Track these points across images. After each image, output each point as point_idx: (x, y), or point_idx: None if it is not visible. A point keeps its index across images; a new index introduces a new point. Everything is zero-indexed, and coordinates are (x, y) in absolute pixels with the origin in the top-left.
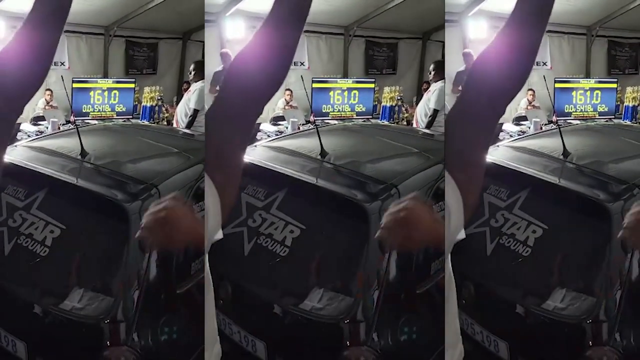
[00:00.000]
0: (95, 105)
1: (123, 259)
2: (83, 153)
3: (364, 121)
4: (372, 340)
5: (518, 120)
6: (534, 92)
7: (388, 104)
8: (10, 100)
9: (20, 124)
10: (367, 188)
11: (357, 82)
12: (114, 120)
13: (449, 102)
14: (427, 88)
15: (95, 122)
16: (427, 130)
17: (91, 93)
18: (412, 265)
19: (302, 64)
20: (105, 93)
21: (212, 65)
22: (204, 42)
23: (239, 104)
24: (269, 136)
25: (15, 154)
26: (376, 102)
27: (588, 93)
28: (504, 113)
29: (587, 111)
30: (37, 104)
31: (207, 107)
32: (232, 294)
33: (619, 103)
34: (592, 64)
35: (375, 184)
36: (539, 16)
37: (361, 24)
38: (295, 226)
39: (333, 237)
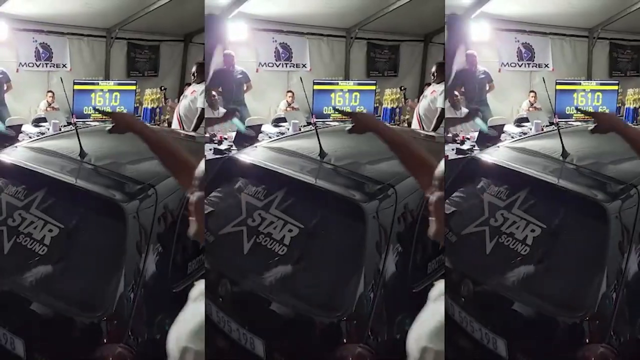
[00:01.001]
0: (97, 107)
1: (120, 258)
2: (82, 154)
3: None
4: (368, 338)
5: (519, 121)
6: (535, 93)
7: (389, 106)
8: None
9: (21, 125)
10: (365, 188)
11: (359, 84)
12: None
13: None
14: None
15: (97, 123)
16: (429, 132)
17: (92, 95)
18: (409, 264)
19: (304, 66)
20: (107, 95)
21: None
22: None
23: None
24: (270, 137)
25: (15, 155)
26: (377, 104)
27: (589, 95)
28: None
29: None
30: (38, 106)
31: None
32: (231, 292)
33: (620, 105)
34: (593, 66)
35: (373, 184)
36: None
37: (363, 26)
38: (293, 225)
39: (331, 236)
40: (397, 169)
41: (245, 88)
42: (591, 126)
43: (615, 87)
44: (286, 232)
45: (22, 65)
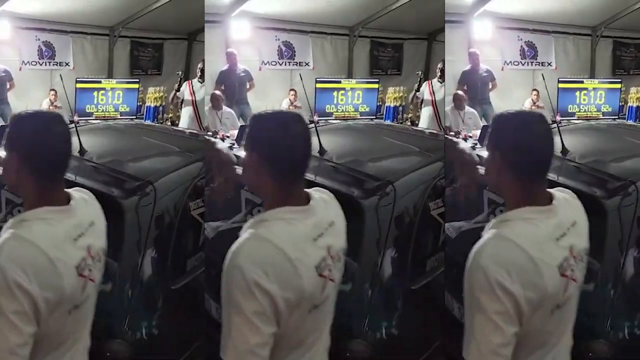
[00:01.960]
0: (99, 106)
1: (118, 254)
2: (82, 151)
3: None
4: (365, 334)
5: None
6: (538, 92)
7: (392, 105)
8: None
9: None
10: (365, 185)
11: (361, 82)
12: (117, 120)
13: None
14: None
15: (99, 122)
16: (432, 130)
17: (95, 93)
18: (407, 261)
19: (307, 64)
20: (109, 93)
21: (216, 65)
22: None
23: None
24: None
25: None
26: (380, 103)
27: (592, 93)
28: None
29: (590, 111)
30: (41, 104)
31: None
32: None
33: (622, 103)
34: (596, 65)
35: (372, 181)
36: None
37: (366, 24)
38: None
39: None
40: (397, 167)
41: (248, 87)
42: (594, 123)
43: (618, 86)
44: None
45: (25, 64)
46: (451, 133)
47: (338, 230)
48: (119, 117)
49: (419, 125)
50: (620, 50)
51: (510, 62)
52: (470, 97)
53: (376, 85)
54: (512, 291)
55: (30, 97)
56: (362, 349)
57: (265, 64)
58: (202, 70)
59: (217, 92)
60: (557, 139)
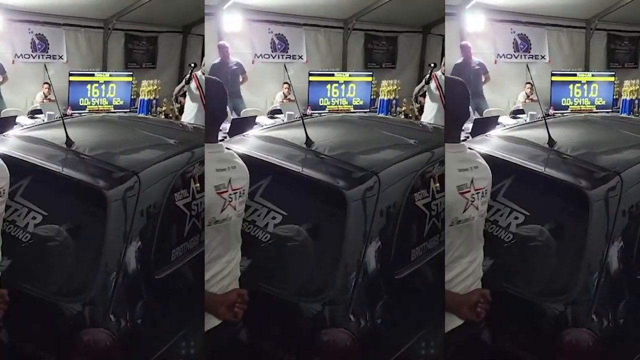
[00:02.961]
0: (93, 99)
1: (102, 244)
2: (68, 142)
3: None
4: (349, 322)
5: (515, 113)
6: (532, 85)
7: (386, 98)
8: None
9: (16, 116)
10: (351, 176)
11: (355, 75)
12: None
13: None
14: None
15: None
16: (425, 122)
17: (88, 86)
18: (391, 251)
19: (300, 57)
20: (103, 86)
21: (208, 58)
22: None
23: None
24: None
25: (5, 144)
26: (374, 96)
27: (585, 86)
28: None
29: (584, 104)
30: (35, 98)
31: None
32: None
33: (617, 97)
34: (591, 58)
35: (357, 172)
36: None
37: (360, 17)
38: (277, 213)
39: (314, 223)
40: (384, 157)
41: (241, 80)
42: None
43: (612, 79)
44: (270, 219)
45: (18, 57)
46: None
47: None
48: (113, 110)
49: (423, 119)
50: (615, 44)
51: (503, 55)
52: None
53: (370, 79)
54: None
55: (24, 90)
56: (346, 338)
57: (258, 57)
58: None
59: None
60: (543, 132)
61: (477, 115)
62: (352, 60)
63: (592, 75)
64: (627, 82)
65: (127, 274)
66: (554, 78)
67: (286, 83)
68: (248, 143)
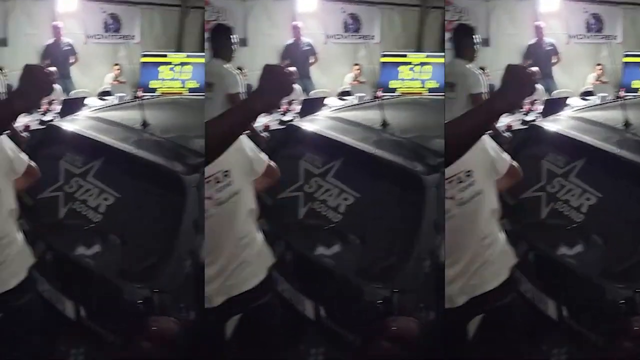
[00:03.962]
0: (164, 81)
1: (178, 230)
2: (145, 124)
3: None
4: (419, 311)
5: (584, 95)
6: (602, 66)
7: None
8: None
9: (85, 97)
10: (427, 160)
11: (431, 56)
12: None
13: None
14: None
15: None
16: None
17: (160, 68)
18: None
19: (372, 37)
20: (176, 68)
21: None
22: None
23: None
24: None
25: (76, 123)
26: None
27: None
28: None
29: None
30: (104, 79)
31: None
32: (285, 254)
33: None
34: None
35: (435, 157)
36: None
37: None
38: (349, 194)
39: (388, 207)
40: None
41: (312, 61)
42: None
43: None
44: (341, 200)
45: (90, 38)
46: None
47: None
48: (187, 94)
49: None
50: None
51: (575, 35)
52: None
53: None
54: None
55: (94, 71)
56: (414, 327)
57: (330, 38)
58: None
59: None
60: (619, 114)
61: (547, 97)
62: (428, 40)
63: None
64: None
65: (199, 262)
66: (625, 59)
67: (357, 64)
68: (320, 122)
